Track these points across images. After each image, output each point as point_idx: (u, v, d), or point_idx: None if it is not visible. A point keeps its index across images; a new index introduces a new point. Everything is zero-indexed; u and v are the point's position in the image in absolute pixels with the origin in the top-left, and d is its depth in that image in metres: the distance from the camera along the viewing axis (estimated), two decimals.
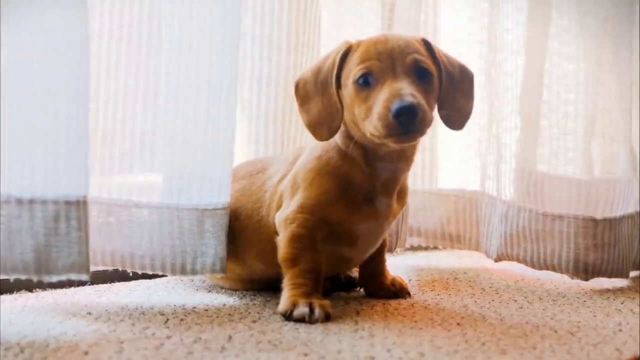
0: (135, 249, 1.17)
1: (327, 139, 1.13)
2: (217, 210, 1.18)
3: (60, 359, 0.87)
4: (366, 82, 1.07)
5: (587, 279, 1.42)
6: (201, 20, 1.16)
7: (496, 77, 1.52)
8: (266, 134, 1.40)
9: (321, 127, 1.13)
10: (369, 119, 1.05)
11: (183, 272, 1.18)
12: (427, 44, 1.13)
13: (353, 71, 1.09)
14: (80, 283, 1.27)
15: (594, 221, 1.41)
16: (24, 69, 1.01)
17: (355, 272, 1.32)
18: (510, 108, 1.50)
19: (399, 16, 1.48)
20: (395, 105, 1.01)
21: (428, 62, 1.09)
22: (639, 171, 1.56)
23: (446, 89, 1.13)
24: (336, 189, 1.13)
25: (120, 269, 1.19)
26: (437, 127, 1.63)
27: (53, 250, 1.01)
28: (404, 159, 1.15)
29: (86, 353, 0.89)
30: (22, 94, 1.01)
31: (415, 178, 1.61)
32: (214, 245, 1.18)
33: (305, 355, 0.90)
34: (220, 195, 1.18)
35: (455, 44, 1.64)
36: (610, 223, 1.43)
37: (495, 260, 1.50)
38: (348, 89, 1.10)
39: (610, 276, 1.43)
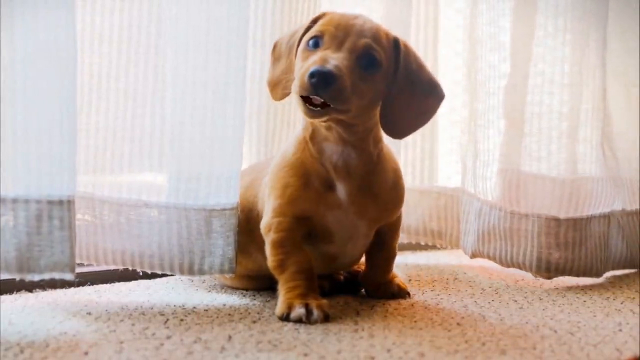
0: (145, 248, 1.18)
1: (280, 99, 1.15)
2: (225, 210, 1.18)
3: (60, 359, 0.87)
4: (315, 45, 1.08)
5: (549, 278, 1.44)
6: (208, 19, 1.16)
7: (475, 77, 1.52)
8: (250, 132, 1.40)
9: (277, 86, 1.15)
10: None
11: (191, 272, 1.19)
12: (395, 43, 1.12)
13: (309, 33, 1.10)
14: (80, 283, 1.27)
15: (557, 220, 1.42)
16: (7, 68, 1.00)
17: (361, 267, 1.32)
18: (489, 105, 1.50)
19: (391, 13, 1.49)
20: (313, 67, 1.01)
21: (381, 54, 1.08)
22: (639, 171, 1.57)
23: (399, 94, 1.11)
24: (295, 180, 1.12)
25: (130, 268, 1.20)
26: (435, 126, 1.64)
27: (35, 250, 1.02)
28: (350, 144, 1.12)
29: (86, 353, 0.89)
30: (6, 93, 1.00)
31: (406, 176, 1.61)
32: (221, 246, 1.18)
33: (305, 355, 0.90)
34: (228, 195, 1.18)
35: (455, 43, 1.64)
36: (575, 222, 1.43)
37: (471, 257, 1.51)
38: (300, 48, 1.11)
39: (577, 275, 1.44)
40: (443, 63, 1.64)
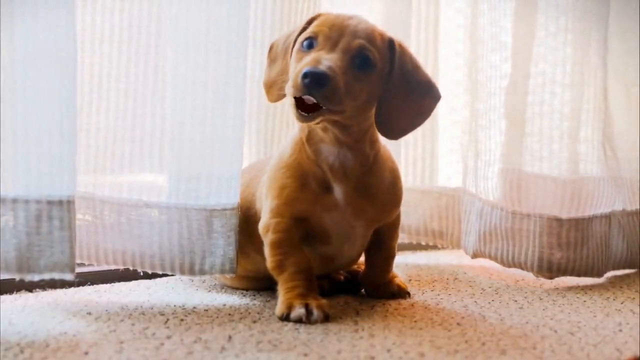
0: (146, 248, 1.18)
1: (276, 100, 1.15)
2: (225, 210, 1.18)
3: (60, 359, 0.87)
4: (309, 45, 1.08)
5: (551, 278, 1.44)
6: (208, 19, 1.16)
7: (476, 77, 1.52)
8: (249, 132, 1.40)
9: (273, 87, 1.15)
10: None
11: (192, 272, 1.19)
12: (391, 43, 1.11)
13: (304, 34, 1.10)
14: (80, 283, 1.27)
15: (559, 220, 1.43)
16: (7, 68, 1.00)
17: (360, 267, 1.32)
18: (490, 105, 1.50)
19: (392, 13, 1.49)
20: (306, 68, 1.01)
21: (375, 55, 1.08)
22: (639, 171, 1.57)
23: (394, 95, 1.10)
24: (292, 181, 1.13)
25: (130, 268, 1.20)
26: (436, 126, 1.64)
27: (35, 250, 1.02)
28: (346, 145, 1.12)
29: (86, 353, 0.89)
30: (6, 93, 1.00)
31: (407, 176, 1.61)
32: (222, 246, 1.18)
33: (305, 355, 0.90)
34: (228, 195, 1.19)
35: (456, 44, 1.64)
36: (577, 223, 1.44)
37: (472, 257, 1.51)
38: (294, 49, 1.10)
39: (579, 275, 1.44)
40: (444, 63, 1.64)
